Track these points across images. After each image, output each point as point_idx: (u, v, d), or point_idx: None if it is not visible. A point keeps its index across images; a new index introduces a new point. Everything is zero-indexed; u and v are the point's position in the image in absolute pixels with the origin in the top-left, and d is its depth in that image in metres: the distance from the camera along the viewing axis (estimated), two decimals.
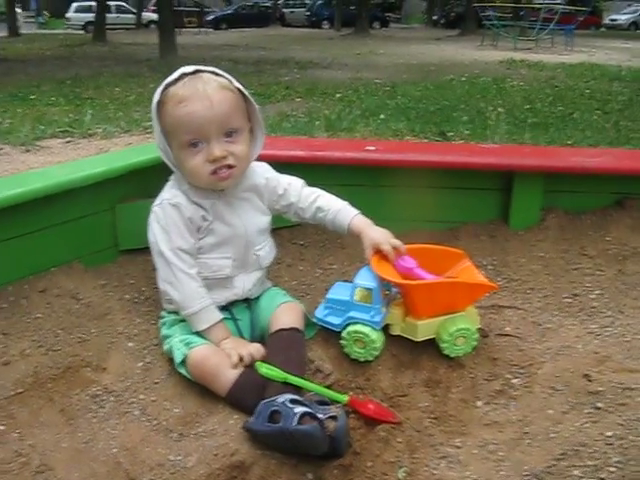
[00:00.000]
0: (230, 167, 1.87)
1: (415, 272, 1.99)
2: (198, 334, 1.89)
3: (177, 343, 1.88)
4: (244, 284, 2.00)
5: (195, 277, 1.89)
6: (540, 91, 9.67)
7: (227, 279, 1.97)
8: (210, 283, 1.94)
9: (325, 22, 39.97)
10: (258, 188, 2.03)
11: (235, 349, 1.83)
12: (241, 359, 1.81)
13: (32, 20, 38.93)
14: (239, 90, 1.90)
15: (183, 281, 1.87)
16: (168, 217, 1.90)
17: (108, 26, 25.04)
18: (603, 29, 43.07)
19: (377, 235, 2.00)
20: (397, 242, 2.00)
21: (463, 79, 11.32)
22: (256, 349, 1.86)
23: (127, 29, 33.47)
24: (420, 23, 45.02)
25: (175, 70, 1.87)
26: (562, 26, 21.72)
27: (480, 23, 26.44)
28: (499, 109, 7.54)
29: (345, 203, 2.09)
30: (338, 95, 9.00)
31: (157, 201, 1.94)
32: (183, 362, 1.83)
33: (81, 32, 32.09)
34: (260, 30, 33.80)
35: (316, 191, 2.10)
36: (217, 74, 1.89)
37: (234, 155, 1.86)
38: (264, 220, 2.05)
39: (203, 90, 1.82)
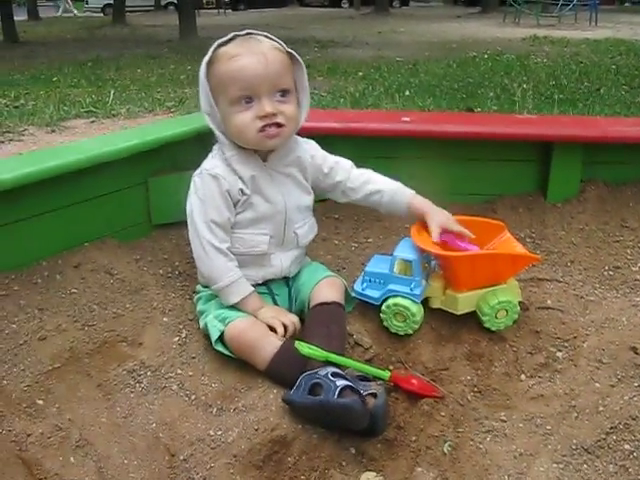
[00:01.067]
0: (279, 126, 1.83)
1: (465, 247, 1.96)
2: (233, 307, 1.86)
3: (212, 320, 1.85)
4: (282, 262, 1.96)
5: (225, 251, 1.86)
6: (565, 67, 9.51)
7: (264, 256, 1.93)
8: (246, 259, 1.91)
9: (344, 1, 39.57)
10: (303, 164, 1.99)
11: (276, 317, 1.81)
12: (285, 328, 1.79)
13: (52, 4, 38.95)
14: (290, 54, 1.87)
15: (211, 255, 1.85)
16: (206, 188, 1.87)
17: (127, 8, 24.99)
18: (627, 4, 42.34)
19: (444, 217, 1.98)
20: (460, 227, 1.98)
21: (486, 56, 11.16)
22: (297, 318, 1.85)
23: (146, 11, 33.35)
24: (440, 1, 44.48)
25: (195, 51, 1.87)
26: (585, 1, 21.38)
27: (502, 0, 26.10)
28: (524, 85, 7.42)
29: (399, 184, 2.05)
30: (360, 73, 8.91)
31: (197, 171, 1.91)
32: (220, 339, 1.81)
33: (100, 15, 32.07)
34: (279, 10, 33.53)
35: (366, 172, 2.06)
36: (269, 37, 1.87)
37: (284, 114, 1.82)
38: (306, 198, 2.00)
39: (257, 47, 1.81)
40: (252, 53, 1.79)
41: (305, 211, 2.01)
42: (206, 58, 1.84)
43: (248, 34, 1.86)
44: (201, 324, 1.93)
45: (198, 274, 2.00)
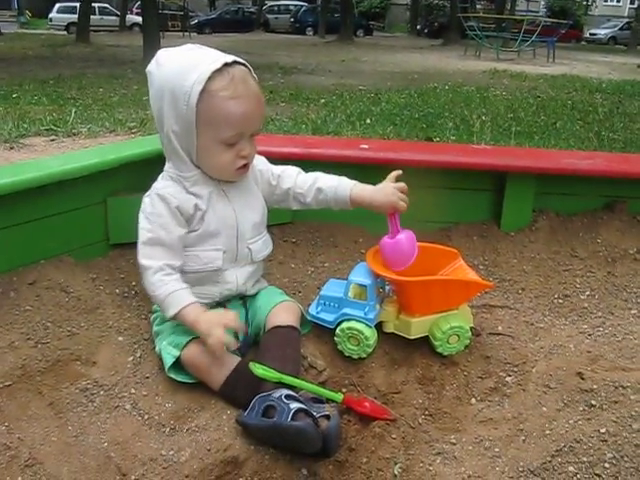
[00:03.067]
0: (247, 165, 1.89)
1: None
2: (186, 330, 1.84)
3: (166, 347, 1.84)
4: (237, 279, 1.96)
5: (163, 268, 1.81)
6: (523, 101, 9.74)
7: (218, 272, 1.92)
8: (202, 277, 1.91)
9: (309, 29, 40.04)
10: (255, 179, 2.02)
11: (217, 324, 1.74)
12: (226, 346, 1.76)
13: (14, 20, 38.59)
14: None
15: (147, 273, 1.81)
16: (154, 207, 1.84)
17: (91, 27, 24.89)
18: (583, 43, 43.61)
19: (385, 198, 1.96)
20: (400, 185, 1.98)
21: (447, 88, 11.37)
22: (231, 317, 1.79)
23: (110, 31, 33.27)
24: (403, 32, 45.20)
25: None
26: (544, 38, 21.98)
27: (463, 33, 26.66)
28: (483, 117, 7.58)
29: (343, 178, 2.04)
30: (322, 100, 8.99)
31: (148, 192, 1.90)
32: (173, 366, 1.80)
33: (64, 33, 31.86)
34: (244, 35, 33.72)
35: (314, 174, 2.07)
36: (247, 67, 1.86)
37: (252, 154, 1.90)
38: (258, 213, 2.01)
39: (254, 89, 1.82)
40: (250, 98, 1.80)
41: (259, 226, 2.01)
42: (198, 86, 1.74)
43: (234, 62, 1.81)
44: (157, 347, 1.91)
45: None
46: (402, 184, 1.98)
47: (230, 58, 1.80)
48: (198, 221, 1.88)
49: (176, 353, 1.80)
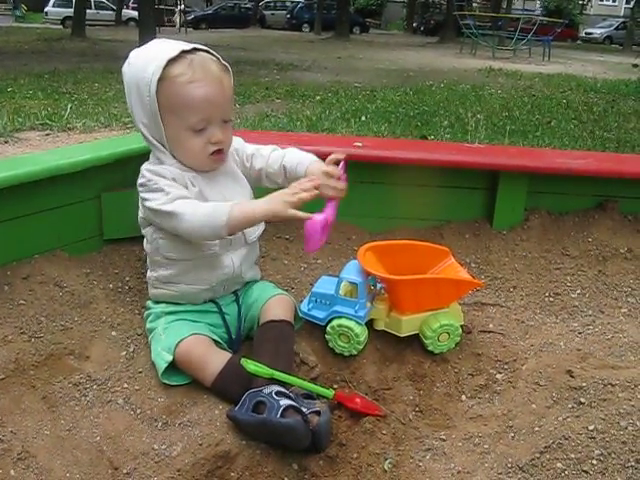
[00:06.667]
0: (221, 151, 1.88)
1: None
2: (177, 330, 1.85)
3: (160, 352, 1.83)
4: (233, 262, 1.96)
5: (191, 200, 1.79)
6: (518, 99, 9.75)
7: (215, 257, 1.92)
8: (199, 263, 1.90)
9: (305, 25, 39.98)
10: (235, 163, 2.01)
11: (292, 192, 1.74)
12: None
13: (9, 13, 38.44)
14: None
15: (180, 210, 1.74)
16: (155, 179, 1.82)
17: (87, 22, 24.78)
18: (579, 42, 43.68)
19: (317, 165, 1.93)
20: (329, 169, 1.88)
21: (442, 86, 11.37)
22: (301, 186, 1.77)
23: (106, 26, 33.13)
24: (400, 30, 45.20)
25: None
26: (540, 37, 22.01)
27: (459, 31, 26.68)
28: (478, 115, 7.59)
29: (307, 155, 1.99)
30: (318, 97, 8.99)
31: (139, 178, 1.87)
32: (166, 370, 1.81)
33: (59, 27, 31.74)
34: (240, 31, 33.58)
35: (283, 152, 2.02)
36: (212, 53, 1.86)
37: (226, 142, 1.88)
38: (246, 194, 1.99)
39: (215, 73, 1.81)
40: (211, 81, 1.79)
41: None
42: (157, 73, 1.76)
43: (194, 49, 1.83)
44: (151, 349, 1.90)
45: (149, 288, 2.01)
46: (332, 168, 1.88)
47: (190, 46, 1.83)
48: None
49: (168, 358, 1.80)
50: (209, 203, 1.82)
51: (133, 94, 1.84)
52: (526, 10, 40.81)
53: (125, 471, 1.58)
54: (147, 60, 1.81)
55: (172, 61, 1.78)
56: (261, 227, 2.06)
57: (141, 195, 1.87)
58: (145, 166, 1.89)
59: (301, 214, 1.72)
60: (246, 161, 2.03)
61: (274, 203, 1.74)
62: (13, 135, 5.37)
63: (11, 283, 2.03)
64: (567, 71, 16.18)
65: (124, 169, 2.29)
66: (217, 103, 1.82)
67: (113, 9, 37.23)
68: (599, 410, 1.69)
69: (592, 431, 1.62)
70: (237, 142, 2.03)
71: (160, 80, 1.77)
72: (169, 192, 1.79)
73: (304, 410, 1.65)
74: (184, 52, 1.80)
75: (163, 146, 1.87)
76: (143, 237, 1.99)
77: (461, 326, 2.04)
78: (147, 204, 1.82)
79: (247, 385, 1.72)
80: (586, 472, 1.54)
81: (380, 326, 2.04)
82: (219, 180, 1.94)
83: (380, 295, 2.08)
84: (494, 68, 15.80)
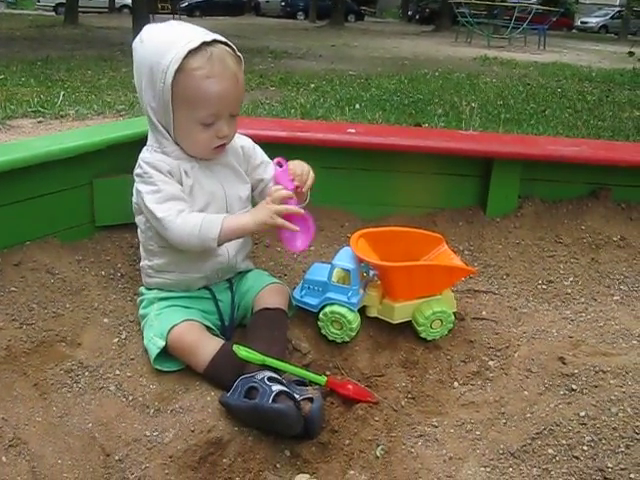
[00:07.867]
0: (224, 144, 1.89)
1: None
2: (170, 315, 1.85)
3: (152, 338, 1.83)
4: (228, 251, 1.95)
5: (183, 210, 1.80)
6: (513, 88, 9.77)
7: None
8: (193, 254, 1.89)
9: (300, 13, 39.86)
10: (237, 156, 2.00)
11: (270, 214, 1.79)
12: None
13: (1, 0, 38.15)
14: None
15: (169, 219, 1.77)
16: (150, 172, 1.83)
17: (80, 9, 24.62)
18: (574, 31, 43.62)
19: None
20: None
21: (437, 74, 11.38)
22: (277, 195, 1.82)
23: (99, 12, 32.95)
24: (395, 18, 45.13)
25: None
26: (535, 26, 22.00)
27: (454, 20, 26.63)
28: (473, 104, 7.59)
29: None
30: (312, 85, 8.98)
31: (136, 167, 1.88)
32: (158, 356, 1.81)
33: (52, 14, 31.54)
34: (234, 19, 33.49)
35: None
36: (230, 46, 1.83)
37: (231, 135, 1.89)
38: (245, 187, 2.00)
39: (232, 68, 1.79)
40: (228, 77, 1.78)
41: (245, 201, 1.99)
42: (174, 65, 1.73)
43: (214, 41, 1.79)
44: (144, 335, 1.90)
45: (142, 275, 2.00)
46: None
47: (210, 37, 1.79)
48: (187, 195, 1.86)
49: (161, 343, 1.80)
50: (200, 215, 1.82)
51: (145, 76, 1.81)
52: None
53: (117, 458, 1.58)
54: (164, 45, 1.77)
55: (192, 52, 1.74)
56: None
57: (136, 185, 1.88)
58: (143, 155, 1.89)
59: (294, 208, 1.80)
60: (256, 161, 2.03)
61: (261, 215, 1.80)
62: (5, 122, 5.36)
63: (2, 270, 2.01)
64: (562, 60, 16.20)
65: (116, 155, 2.28)
66: (230, 100, 1.81)
67: None
68: (590, 397, 1.69)
69: (583, 417, 1.63)
70: (246, 141, 2.04)
71: (177, 71, 1.74)
72: (162, 189, 1.80)
73: (296, 396, 1.66)
74: (204, 44, 1.76)
75: (168, 132, 1.86)
76: (135, 224, 1.98)
77: (454, 313, 2.04)
78: (141, 196, 1.83)
79: (239, 371, 1.72)
80: (577, 458, 1.55)
81: (373, 313, 2.04)
82: (216, 170, 1.94)
83: (373, 282, 2.08)
84: (489, 57, 15.81)
